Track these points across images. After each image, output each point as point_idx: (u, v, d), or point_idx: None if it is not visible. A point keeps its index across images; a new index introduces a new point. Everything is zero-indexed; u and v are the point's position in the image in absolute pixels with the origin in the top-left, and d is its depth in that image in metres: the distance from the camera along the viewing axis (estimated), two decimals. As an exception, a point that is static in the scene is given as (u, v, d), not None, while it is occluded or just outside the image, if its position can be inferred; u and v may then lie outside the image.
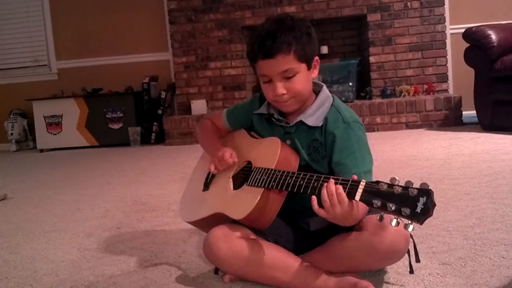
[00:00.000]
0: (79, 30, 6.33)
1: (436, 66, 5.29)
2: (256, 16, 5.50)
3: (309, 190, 1.30)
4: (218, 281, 1.55)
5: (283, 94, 1.45)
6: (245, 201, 1.43)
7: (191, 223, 1.68)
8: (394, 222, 1.11)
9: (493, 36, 4.15)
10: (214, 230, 1.48)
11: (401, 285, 1.42)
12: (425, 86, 5.26)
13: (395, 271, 1.50)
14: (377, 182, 1.16)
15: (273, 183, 1.39)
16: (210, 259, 1.51)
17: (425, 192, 1.08)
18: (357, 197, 1.18)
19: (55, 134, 6.05)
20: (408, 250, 1.40)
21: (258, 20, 5.46)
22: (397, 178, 1.13)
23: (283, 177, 1.38)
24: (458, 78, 5.45)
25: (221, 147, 1.61)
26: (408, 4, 5.26)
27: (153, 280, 1.63)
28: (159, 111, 5.92)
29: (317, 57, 1.52)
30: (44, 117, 6.05)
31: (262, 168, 1.45)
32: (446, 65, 5.31)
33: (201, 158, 1.82)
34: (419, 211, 1.08)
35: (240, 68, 5.64)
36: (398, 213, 1.10)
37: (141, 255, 1.89)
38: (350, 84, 5.15)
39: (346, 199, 1.20)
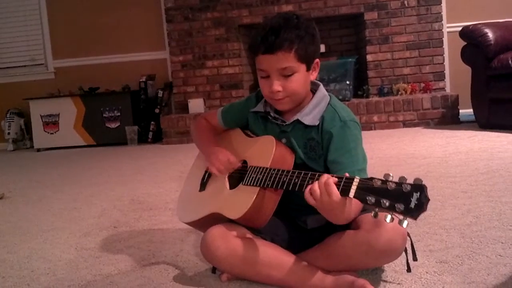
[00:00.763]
0: (76, 29, 6.31)
1: (433, 64, 5.30)
2: (253, 14, 5.50)
3: (304, 188, 1.29)
4: (216, 280, 1.54)
5: (279, 91, 1.45)
6: (241, 201, 1.43)
7: (189, 223, 1.68)
8: (388, 218, 1.11)
9: (490, 35, 4.16)
10: (211, 229, 1.48)
11: (398, 283, 1.42)
12: (422, 85, 5.27)
13: (392, 269, 1.50)
14: (371, 179, 1.16)
15: (268, 182, 1.39)
16: (207, 258, 1.51)
17: (419, 187, 1.08)
18: (351, 194, 1.18)
19: (52, 133, 6.04)
20: (405, 248, 1.40)
21: (255, 18, 5.46)
22: (391, 174, 1.13)
23: (278, 175, 1.38)
24: (455, 77, 5.45)
25: (220, 148, 1.60)
26: (405, 2, 5.26)
27: (151, 279, 1.63)
28: (156, 110, 5.91)
29: (317, 60, 1.51)
30: (41, 116, 6.04)
31: (257, 167, 1.45)
32: (443, 63, 5.32)
33: (197, 158, 1.81)
34: (413, 206, 1.07)
35: (237, 67, 5.64)
36: (392, 209, 1.10)
37: (138, 254, 1.89)
38: (347, 82, 5.16)
39: (336, 191, 1.19)
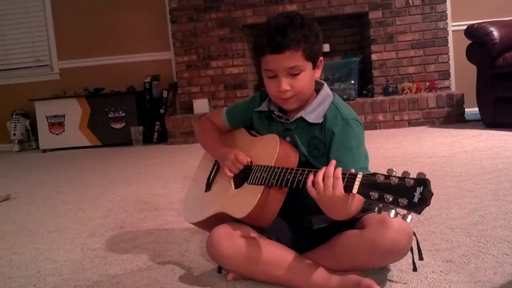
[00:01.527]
0: (81, 30, 6.33)
1: (438, 63, 5.28)
2: (257, 14, 5.50)
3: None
4: (221, 280, 1.55)
5: (287, 90, 1.45)
6: (246, 200, 1.43)
7: (195, 224, 1.69)
8: (392, 213, 1.11)
9: (495, 33, 4.14)
10: (217, 229, 1.49)
11: (405, 283, 1.42)
12: (427, 84, 5.26)
13: (398, 268, 1.50)
14: (374, 174, 1.16)
15: (273, 180, 1.39)
16: (213, 257, 1.52)
17: (422, 181, 1.08)
18: (355, 190, 1.18)
19: (58, 134, 6.06)
20: (411, 247, 1.39)
21: (259, 18, 5.46)
22: (394, 170, 1.13)
23: (282, 173, 1.38)
24: (460, 75, 5.44)
25: (230, 148, 1.60)
26: (410, 1, 5.25)
27: (157, 279, 1.63)
28: (161, 111, 5.92)
29: (321, 58, 1.52)
30: (47, 117, 6.06)
31: (262, 166, 1.45)
32: (448, 62, 5.30)
33: (203, 159, 1.81)
34: (416, 201, 1.07)
35: (242, 67, 5.64)
36: (395, 204, 1.10)
37: (144, 255, 1.89)
38: (352, 82, 5.15)
39: (340, 184, 1.20)
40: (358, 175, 1.18)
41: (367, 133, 1.53)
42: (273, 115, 1.58)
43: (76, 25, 6.35)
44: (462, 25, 4.85)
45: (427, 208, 1.08)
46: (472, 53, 4.39)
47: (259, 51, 1.48)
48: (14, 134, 6.28)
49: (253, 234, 1.49)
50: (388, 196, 1.11)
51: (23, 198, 3.24)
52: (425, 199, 1.07)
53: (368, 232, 1.34)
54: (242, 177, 1.54)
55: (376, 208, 1.14)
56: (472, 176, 2.61)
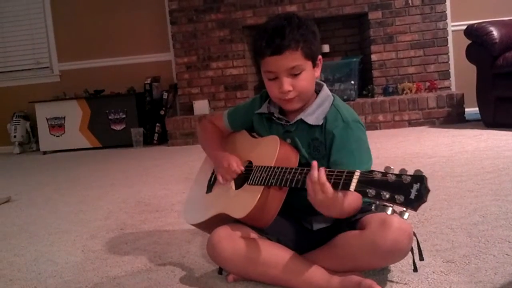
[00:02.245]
0: (81, 32, 6.34)
1: (438, 63, 5.29)
2: (257, 15, 5.50)
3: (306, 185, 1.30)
4: (222, 281, 1.55)
5: (289, 91, 1.45)
6: (246, 200, 1.44)
7: (195, 225, 1.69)
8: (389, 211, 1.11)
9: (495, 33, 4.14)
10: (217, 230, 1.49)
11: (405, 284, 1.42)
12: (427, 84, 5.26)
13: (399, 269, 1.50)
14: (371, 172, 1.16)
15: (272, 180, 1.39)
16: (213, 259, 1.52)
17: (419, 178, 1.08)
18: (352, 187, 1.18)
19: (58, 136, 6.06)
20: (412, 248, 1.39)
21: (259, 19, 5.46)
22: (391, 167, 1.14)
23: (282, 173, 1.38)
24: (460, 75, 5.44)
25: (225, 154, 1.60)
26: (409, 1, 5.25)
27: (157, 281, 1.63)
28: (162, 112, 5.92)
29: (320, 56, 1.53)
30: (47, 119, 6.07)
31: (261, 166, 1.46)
32: (448, 62, 5.30)
33: (204, 161, 1.82)
34: (413, 197, 1.07)
35: (242, 68, 5.65)
36: (392, 200, 1.10)
37: (145, 256, 1.89)
38: (352, 82, 5.15)
39: (329, 189, 1.21)
40: (356, 173, 1.19)
41: (367, 134, 1.53)
42: (273, 117, 1.58)
43: (76, 27, 6.35)
44: (462, 25, 4.85)
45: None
46: (472, 53, 4.39)
47: (258, 54, 1.48)
48: (15, 136, 6.29)
49: (254, 235, 1.49)
50: (384, 193, 1.11)
51: (23, 200, 3.24)
52: (422, 196, 1.07)
53: (369, 233, 1.34)
54: (242, 178, 1.55)
55: (373, 206, 1.14)
56: (473, 176, 2.61)
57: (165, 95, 5.95)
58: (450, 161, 3.07)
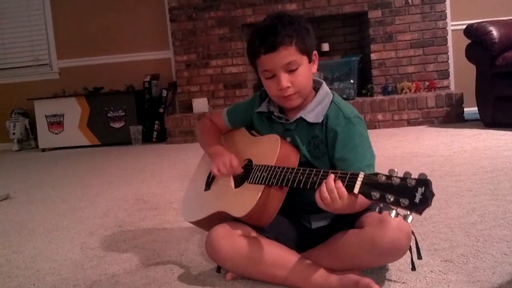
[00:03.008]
0: (80, 29, 6.33)
1: (438, 62, 5.29)
2: (256, 13, 5.50)
3: (308, 185, 1.30)
4: (220, 279, 1.55)
5: (288, 87, 1.45)
6: (246, 199, 1.43)
7: (194, 223, 1.69)
8: (393, 214, 1.11)
9: (495, 32, 4.15)
10: (216, 229, 1.49)
11: (403, 282, 1.42)
12: (427, 83, 5.26)
13: (397, 268, 1.50)
14: (376, 174, 1.16)
15: (273, 180, 1.39)
16: (212, 257, 1.52)
17: (423, 182, 1.08)
18: (356, 189, 1.18)
19: (57, 133, 6.06)
20: (410, 247, 1.39)
21: (258, 17, 5.46)
22: (395, 170, 1.13)
23: (283, 173, 1.38)
24: (460, 75, 5.44)
25: (224, 151, 1.60)
26: (409, 0, 5.25)
27: (155, 278, 1.63)
28: (161, 110, 5.92)
29: (315, 52, 1.53)
30: (46, 116, 6.06)
31: (262, 165, 1.45)
32: (447, 61, 5.30)
33: (203, 158, 1.82)
34: (417, 201, 1.07)
35: (241, 66, 5.64)
36: (396, 204, 1.10)
37: (143, 254, 1.89)
38: (351, 81, 5.15)
39: (345, 193, 1.21)
40: (360, 175, 1.19)
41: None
42: (273, 116, 1.58)
43: (76, 24, 6.34)
44: (462, 24, 4.85)
45: (427, 208, 1.08)
46: (471, 53, 4.39)
47: (253, 54, 1.48)
48: (13, 133, 6.28)
49: (252, 233, 1.49)
50: (389, 196, 1.11)
51: (22, 198, 3.24)
52: (427, 200, 1.07)
53: (367, 232, 1.34)
54: (242, 177, 1.55)
55: (377, 208, 1.14)
56: (471, 176, 2.61)
57: (164, 93, 5.95)
58: (449, 161, 3.07)
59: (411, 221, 1.10)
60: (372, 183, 1.15)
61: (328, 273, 1.41)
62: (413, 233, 1.39)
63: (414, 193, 1.08)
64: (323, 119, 1.50)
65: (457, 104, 4.89)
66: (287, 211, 1.53)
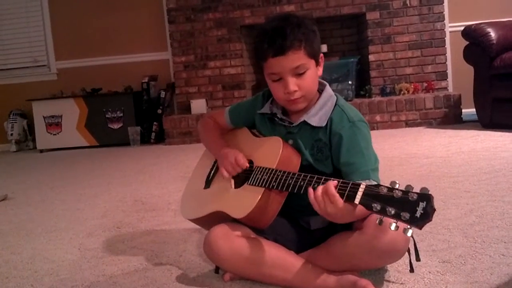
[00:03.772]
0: (78, 30, 6.33)
1: (436, 64, 5.30)
2: (255, 15, 5.50)
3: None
4: (219, 280, 1.55)
5: (295, 91, 1.44)
6: (246, 200, 1.43)
7: (192, 220, 1.68)
8: (393, 226, 1.10)
9: (492, 34, 4.16)
10: (214, 229, 1.48)
11: (401, 283, 1.42)
12: (425, 84, 5.27)
13: (395, 269, 1.50)
14: (377, 186, 1.15)
15: (274, 183, 1.39)
16: (210, 258, 1.51)
17: (425, 197, 1.07)
18: (357, 200, 1.17)
19: (55, 134, 6.05)
20: (408, 248, 1.40)
21: (257, 19, 5.46)
22: (397, 182, 1.13)
23: (284, 177, 1.38)
24: (458, 76, 5.45)
25: (230, 149, 1.59)
26: (407, 2, 5.26)
27: (154, 279, 1.63)
28: (159, 111, 5.92)
29: (322, 54, 1.52)
30: (44, 117, 6.05)
31: (263, 168, 1.45)
32: (445, 63, 5.31)
33: (203, 156, 1.81)
34: (418, 216, 1.07)
35: (240, 67, 5.64)
36: (397, 217, 1.09)
37: (141, 255, 1.89)
38: (350, 82, 5.16)
39: (339, 200, 1.20)
40: (361, 185, 1.18)
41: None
42: (275, 118, 1.57)
43: (74, 25, 6.34)
44: (460, 26, 4.87)
45: (427, 223, 1.07)
46: (469, 54, 4.40)
47: (261, 56, 1.46)
48: (11, 134, 6.27)
49: (251, 234, 1.49)
50: (390, 209, 1.10)
51: (20, 198, 3.24)
52: (428, 215, 1.06)
53: (366, 233, 1.34)
54: (242, 178, 1.54)
55: (378, 220, 1.13)
56: (469, 177, 2.61)
57: (162, 94, 5.95)
58: (446, 162, 3.08)
59: (411, 235, 1.09)
60: (374, 195, 1.14)
61: (326, 274, 1.41)
62: (411, 235, 1.39)
63: (415, 207, 1.07)
64: (327, 123, 1.49)
65: (455, 105, 4.90)
66: (286, 212, 1.53)
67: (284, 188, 1.37)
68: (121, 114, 5.91)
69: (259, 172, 1.45)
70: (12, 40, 6.50)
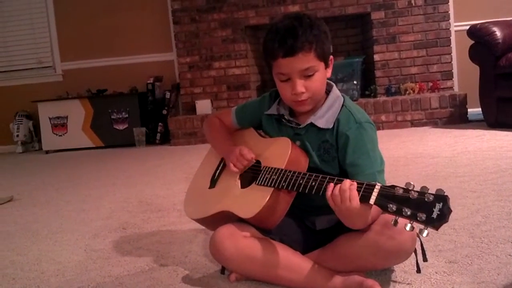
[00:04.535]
0: (83, 31, 6.35)
1: (441, 63, 5.28)
2: (259, 15, 5.50)
3: (321, 192, 1.29)
4: (224, 281, 1.55)
5: (303, 92, 1.44)
6: (254, 200, 1.43)
7: (196, 220, 1.68)
8: (408, 227, 1.10)
9: (498, 33, 4.14)
10: (220, 229, 1.48)
11: (408, 284, 1.42)
12: (430, 84, 5.25)
13: (402, 269, 1.50)
14: (393, 187, 1.15)
15: (284, 183, 1.38)
16: (216, 258, 1.51)
17: (442, 198, 1.08)
18: (372, 200, 1.17)
19: (61, 135, 6.07)
20: (415, 249, 1.39)
21: (261, 19, 5.47)
22: (412, 183, 1.13)
23: (294, 177, 1.37)
24: (463, 76, 5.43)
25: (235, 146, 1.58)
26: (412, 1, 5.24)
27: (160, 280, 1.63)
28: (164, 112, 5.93)
29: (331, 56, 1.52)
30: (50, 118, 6.07)
31: (272, 168, 1.44)
32: (451, 62, 5.29)
33: (208, 154, 1.80)
34: (435, 216, 1.07)
35: (244, 68, 5.64)
36: (413, 218, 1.09)
37: (147, 255, 1.89)
38: (355, 82, 5.15)
39: (356, 198, 1.19)
40: (376, 186, 1.18)
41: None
42: (282, 120, 1.56)
43: (79, 26, 6.36)
44: (465, 25, 4.84)
45: (444, 224, 1.07)
46: (475, 53, 4.38)
47: (270, 55, 1.45)
48: (17, 136, 6.30)
49: (257, 234, 1.49)
50: (406, 210, 1.10)
51: (26, 200, 3.25)
52: (444, 216, 1.06)
53: (372, 234, 1.34)
54: (249, 178, 1.54)
55: (393, 221, 1.13)
56: (475, 177, 2.60)
57: (167, 95, 5.96)
58: (452, 162, 3.07)
59: (426, 235, 1.09)
60: (389, 195, 1.14)
61: (332, 274, 1.40)
62: (418, 235, 1.38)
63: (432, 208, 1.08)
64: (334, 124, 1.48)
65: (460, 104, 4.88)
66: (292, 212, 1.53)
67: (295, 188, 1.36)
68: (127, 115, 5.93)
69: (267, 172, 1.44)
70: (17, 41, 6.53)
